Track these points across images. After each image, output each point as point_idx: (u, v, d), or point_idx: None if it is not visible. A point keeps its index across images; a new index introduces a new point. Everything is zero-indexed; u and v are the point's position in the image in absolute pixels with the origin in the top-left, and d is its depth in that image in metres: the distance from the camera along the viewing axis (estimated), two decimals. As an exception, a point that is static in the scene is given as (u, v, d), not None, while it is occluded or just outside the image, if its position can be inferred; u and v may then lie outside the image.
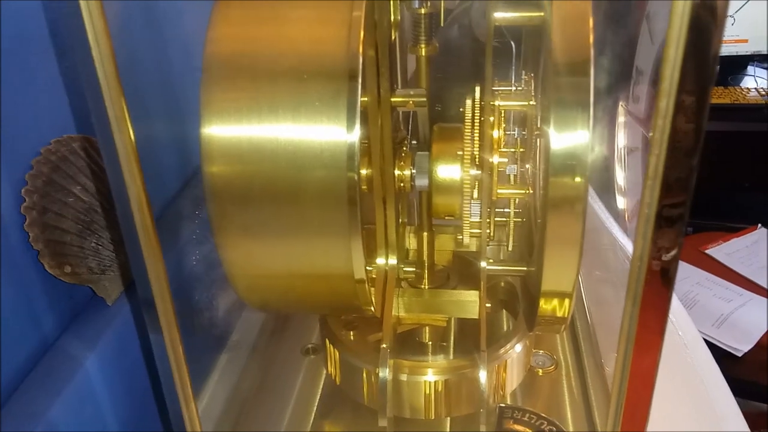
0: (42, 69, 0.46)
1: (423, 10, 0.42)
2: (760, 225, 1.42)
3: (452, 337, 0.51)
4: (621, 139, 0.62)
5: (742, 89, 1.54)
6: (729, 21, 1.47)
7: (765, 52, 1.56)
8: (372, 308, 0.41)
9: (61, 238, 0.45)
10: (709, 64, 0.27)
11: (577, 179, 0.35)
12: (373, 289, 0.42)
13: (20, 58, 0.44)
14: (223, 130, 0.36)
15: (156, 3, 0.60)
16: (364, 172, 0.38)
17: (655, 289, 0.33)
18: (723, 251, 1.36)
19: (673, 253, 0.31)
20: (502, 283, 0.53)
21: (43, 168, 0.44)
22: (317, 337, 0.57)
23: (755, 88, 1.54)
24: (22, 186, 0.43)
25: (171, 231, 0.56)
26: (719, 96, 1.50)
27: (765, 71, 1.61)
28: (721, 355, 1.11)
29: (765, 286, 1.24)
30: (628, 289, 0.33)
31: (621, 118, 0.62)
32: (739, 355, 1.13)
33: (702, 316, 1.19)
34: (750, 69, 1.61)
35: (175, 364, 0.37)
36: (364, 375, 0.47)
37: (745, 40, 1.54)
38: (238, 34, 0.37)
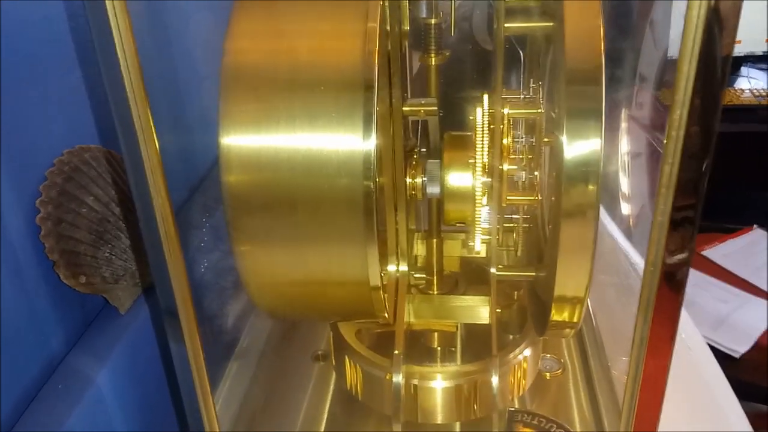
0: (55, 79, 0.46)
1: (433, 21, 0.42)
2: (755, 226, 1.43)
3: (463, 342, 0.51)
4: (625, 146, 0.63)
5: (736, 90, 1.55)
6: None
7: (759, 53, 1.57)
8: (386, 315, 0.42)
9: (76, 248, 0.45)
10: (720, 69, 0.28)
11: (590, 187, 0.35)
12: (384, 293, 0.42)
13: (34, 70, 0.44)
14: (242, 140, 0.36)
15: (161, 11, 0.60)
16: (378, 180, 0.39)
17: (665, 292, 0.33)
18: (719, 252, 1.37)
19: (683, 255, 0.32)
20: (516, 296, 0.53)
21: (56, 179, 0.45)
22: (326, 343, 0.58)
23: (749, 89, 1.55)
24: (36, 197, 0.44)
25: (181, 239, 0.56)
26: (713, 98, 1.51)
27: (758, 72, 1.62)
28: (719, 356, 1.12)
29: (762, 287, 1.25)
30: (642, 293, 0.33)
31: (624, 125, 0.63)
32: (737, 356, 1.14)
33: (700, 317, 1.20)
34: (743, 70, 1.62)
35: (196, 374, 0.38)
36: (376, 381, 0.47)
37: (739, 41, 1.55)
38: (256, 46, 0.37)
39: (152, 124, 0.31)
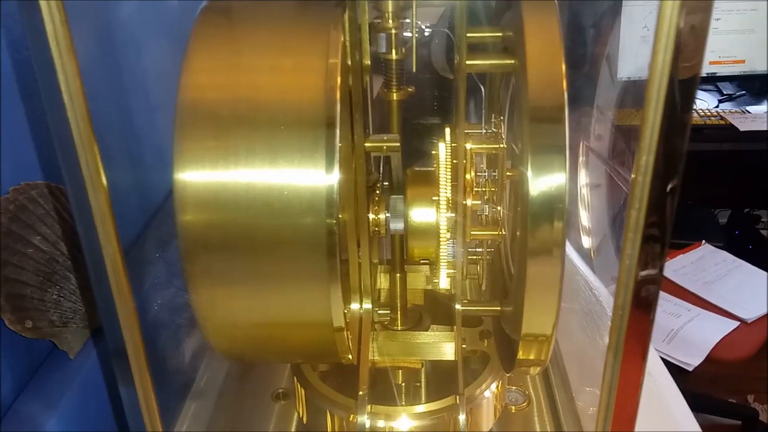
0: (1, 114, 0.44)
1: (394, 56, 0.42)
2: (704, 241, 1.46)
3: (429, 378, 0.50)
4: (584, 177, 0.64)
5: (682, 111, 1.59)
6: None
7: (703, 75, 1.62)
8: (350, 356, 0.41)
9: (22, 291, 0.43)
10: (687, 92, 0.28)
11: (556, 224, 0.35)
12: (348, 333, 0.41)
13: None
14: (198, 179, 0.35)
15: (112, 38, 0.58)
16: (341, 217, 0.38)
17: (637, 312, 0.33)
18: (670, 267, 1.39)
19: (655, 271, 0.32)
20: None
21: (1, 218, 0.42)
22: (287, 381, 0.56)
23: (695, 110, 1.60)
24: (-21, 239, 0.41)
25: (133, 277, 0.54)
26: (661, 118, 1.55)
27: (704, 93, 1.67)
28: (672, 369, 1.13)
29: (712, 301, 1.28)
30: (614, 315, 0.33)
31: (582, 158, 0.64)
32: (690, 369, 1.16)
33: (653, 332, 1.21)
34: (689, 91, 1.67)
35: (148, 418, 0.36)
36: (340, 421, 0.46)
37: (683, 64, 1.60)
38: (213, 82, 0.36)
39: (102, 169, 0.29)
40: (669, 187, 0.30)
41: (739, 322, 1.22)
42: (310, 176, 0.34)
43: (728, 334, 1.20)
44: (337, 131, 0.35)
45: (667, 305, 1.29)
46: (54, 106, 0.28)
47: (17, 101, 0.45)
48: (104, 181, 0.29)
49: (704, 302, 1.29)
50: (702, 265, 1.41)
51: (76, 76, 0.27)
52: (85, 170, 0.28)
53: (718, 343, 1.19)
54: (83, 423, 0.47)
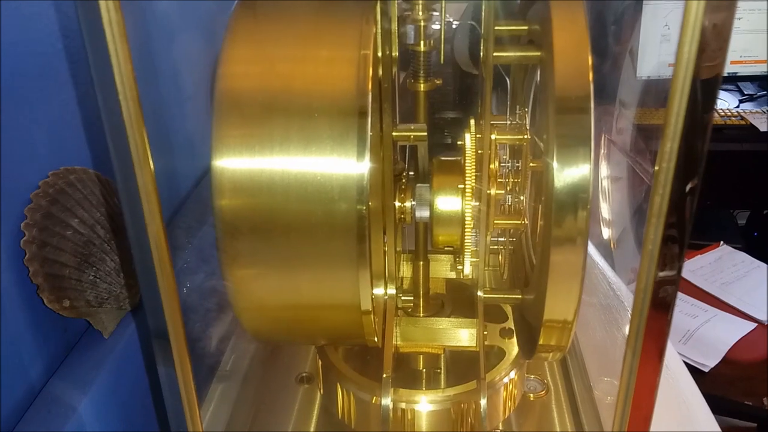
0: (42, 101, 0.46)
1: (422, 48, 0.43)
2: (722, 242, 1.46)
3: (449, 364, 0.51)
4: (605, 170, 0.65)
5: (702, 111, 1.59)
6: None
7: (724, 74, 1.61)
8: (375, 338, 0.42)
9: (60, 272, 0.44)
10: (710, 91, 0.29)
11: (580, 213, 0.36)
12: (375, 319, 0.42)
13: (20, 92, 0.43)
14: (235, 164, 0.36)
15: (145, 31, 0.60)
16: (369, 204, 0.39)
17: (654, 313, 0.34)
18: (687, 268, 1.39)
19: (673, 272, 0.33)
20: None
21: (41, 201, 0.44)
22: (310, 365, 0.57)
23: (715, 109, 1.59)
24: (21, 219, 0.43)
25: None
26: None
27: (724, 93, 1.66)
28: (688, 370, 1.14)
29: (729, 302, 1.27)
30: (634, 310, 0.34)
31: (603, 151, 0.65)
32: (706, 370, 1.15)
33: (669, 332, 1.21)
34: (709, 91, 1.66)
35: (186, 398, 0.37)
36: (363, 404, 0.47)
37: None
38: (250, 72, 0.37)
39: (148, 150, 0.31)
40: (689, 187, 0.30)
41: (756, 324, 1.22)
42: (342, 163, 0.36)
43: (745, 335, 1.20)
44: (369, 121, 0.36)
45: (683, 306, 1.29)
46: (105, 88, 0.29)
47: (60, 88, 0.47)
48: (150, 160, 0.31)
49: (721, 303, 1.28)
50: (720, 266, 1.40)
51: (127, 60, 0.28)
52: (133, 149, 0.30)
53: (734, 344, 1.19)
54: (115, 402, 0.48)
